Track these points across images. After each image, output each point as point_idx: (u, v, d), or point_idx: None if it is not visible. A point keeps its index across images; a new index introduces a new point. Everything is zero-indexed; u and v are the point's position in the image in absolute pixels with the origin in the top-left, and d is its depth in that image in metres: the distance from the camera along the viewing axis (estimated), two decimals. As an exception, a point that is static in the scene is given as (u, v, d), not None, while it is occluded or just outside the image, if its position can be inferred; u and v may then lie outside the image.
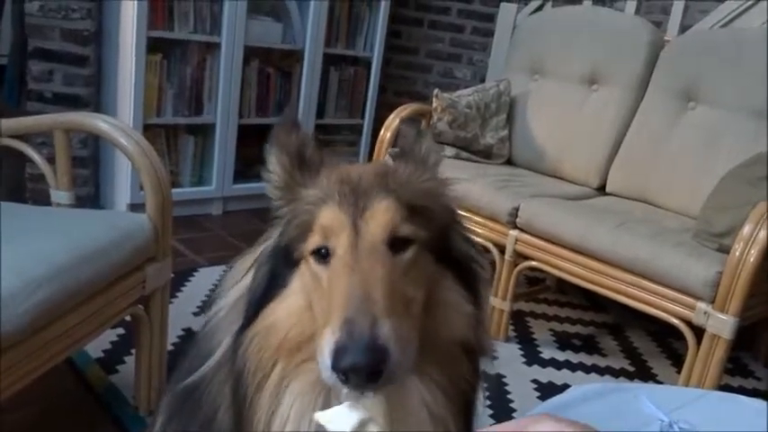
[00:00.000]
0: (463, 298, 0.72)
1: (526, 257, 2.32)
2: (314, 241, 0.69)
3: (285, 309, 0.71)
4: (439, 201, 0.77)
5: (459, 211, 0.80)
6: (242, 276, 0.78)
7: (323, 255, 0.68)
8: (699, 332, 1.90)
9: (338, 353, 0.57)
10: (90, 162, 3.07)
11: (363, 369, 0.56)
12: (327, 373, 0.59)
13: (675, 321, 1.94)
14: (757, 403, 1.03)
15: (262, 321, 0.72)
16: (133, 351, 1.71)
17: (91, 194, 3.11)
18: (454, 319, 0.71)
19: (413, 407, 0.68)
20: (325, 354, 0.59)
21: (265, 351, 0.71)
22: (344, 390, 0.59)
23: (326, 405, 0.68)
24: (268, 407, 0.70)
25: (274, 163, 0.78)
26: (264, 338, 0.71)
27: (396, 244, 0.68)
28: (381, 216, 0.68)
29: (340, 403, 0.59)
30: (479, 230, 2.43)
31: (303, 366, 0.70)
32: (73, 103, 2.90)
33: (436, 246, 0.72)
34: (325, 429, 0.57)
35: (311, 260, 0.69)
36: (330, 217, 0.69)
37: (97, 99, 3.03)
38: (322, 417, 0.58)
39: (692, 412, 0.97)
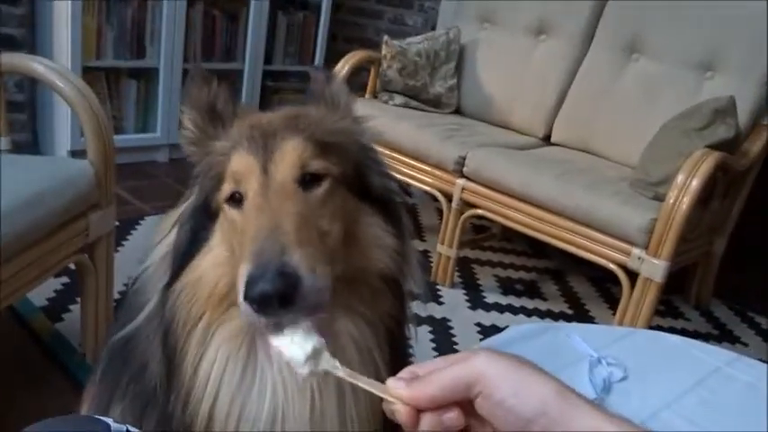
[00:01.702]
0: (384, 231, 0.74)
1: (472, 206, 2.37)
2: (227, 188, 0.70)
3: (210, 260, 0.72)
4: (352, 138, 0.78)
5: (376, 148, 0.81)
6: (167, 233, 0.79)
7: (236, 200, 0.70)
8: (633, 276, 2.00)
9: (249, 283, 0.58)
10: (27, 107, 2.95)
11: (273, 295, 0.57)
12: (243, 308, 0.60)
13: (612, 266, 2.03)
14: (677, 339, 1.11)
15: (188, 275, 0.72)
16: (78, 299, 1.69)
17: (29, 141, 3.00)
18: (375, 252, 0.73)
19: (339, 338, 0.71)
20: (240, 289, 0.59)
21: (194, 304, 0.72)
22: (261, 319, 0.59)
23: (251, 348, 0.71)
24: (195, 353, 0.71)
25: (186, 120, 0.78)
26: (192, 292, 0.72)
27: (307, 181, 0.69)
28: (289, 155, 0.69)
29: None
30: (427, 179, 2.47)
31: (228, 313, 0.71)
32: (6, 44, 2.75)
33: (353, 182, 0.73)
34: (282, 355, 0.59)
35: (226, 207, 0.71)
36: (239, 162, 0.70)
37: (32, 40, 2.89)
38: (278, 341, 0.59)
39: (619, 348, 1.03)
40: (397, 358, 0.76)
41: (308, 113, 0.77)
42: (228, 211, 0.70)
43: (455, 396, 0.48)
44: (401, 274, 0.75)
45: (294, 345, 0.57)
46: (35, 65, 1.55)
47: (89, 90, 1.53)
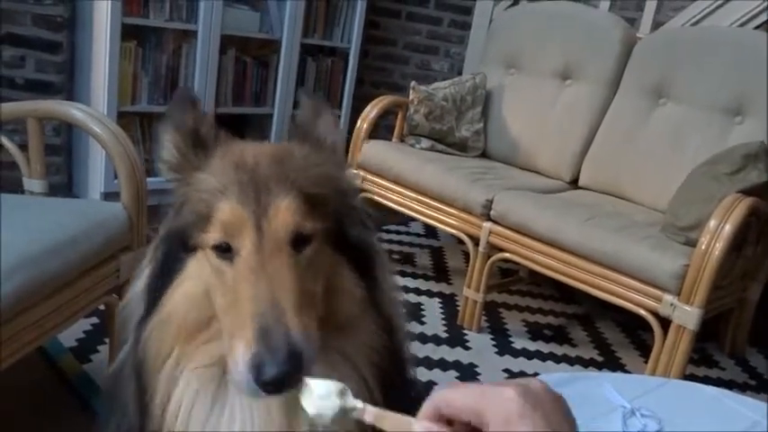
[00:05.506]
0: (355, 285, 0.72)
1: (500, 249, 2.35)
2: (214, 236, 0.67)
3: (182, 294, 0.70)
4: (335, 185, 0.75)
5: (354, 191, 0.78)
6: (148, 264, 0.77)
7: (224, 249, 0.67)
8: (665, 323, 1.95)
9: (259, 367, 0.58)
10: (63, 150, 3.03)
11: (285, 378, 0.58)
12: (247, 386, 0.59)
13: (643, 313, 1.99)
14: (713, 390, 1.07)
15: (160, 312, 0.71)
16: (107, 340, 1.70)
17: (64, 183, 3.08)
18: (347, 303, 0.72)
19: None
20: (241, 367, 0.59)
21: (164, 342, 0.71)
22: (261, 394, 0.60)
23: (221, 383, 0.70)
24: (165, 390, 0.70)
25: (168, 142, 0.75)
26: (163, 329, 0.70)
27: (298, 241, 0.67)
28: (284, 215, 0.66)
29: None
30: (453, 222, 2.47)
31: (199, 349, 0.70)
32: (45, 89, 2.86)
33: (333, 235, 0.71)
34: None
35: (212, 254, 0.68)
36: (231, 213, 0.67)
37: (70, 86, 2.99)
38: (306, 403, 0.59)
39: (653, 399, 1.00)
40: (390, 394, 0.73)
41: (294, 155, 0.74)
42: (213, 258, 0.67)
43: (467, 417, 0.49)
44: (372, 317, 0.73)
45: (323, 404, 0.58)
46: (74, 111, 1.60)
47: (124, 135, 1.58)
